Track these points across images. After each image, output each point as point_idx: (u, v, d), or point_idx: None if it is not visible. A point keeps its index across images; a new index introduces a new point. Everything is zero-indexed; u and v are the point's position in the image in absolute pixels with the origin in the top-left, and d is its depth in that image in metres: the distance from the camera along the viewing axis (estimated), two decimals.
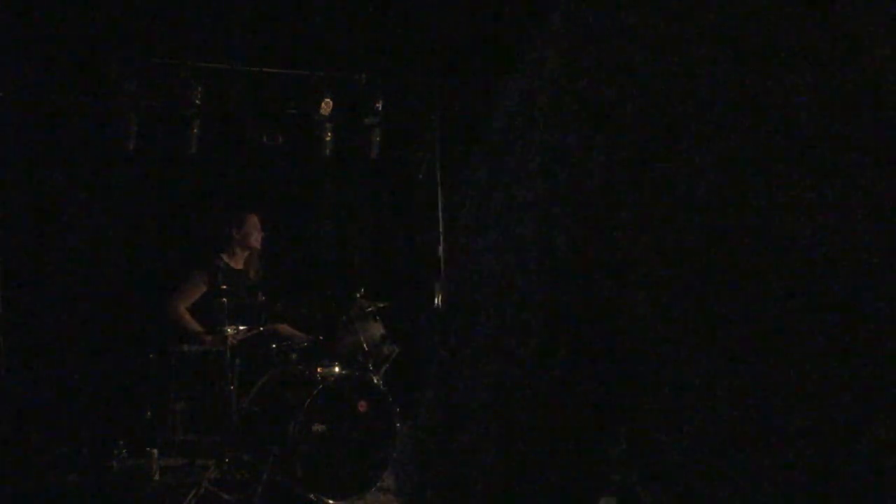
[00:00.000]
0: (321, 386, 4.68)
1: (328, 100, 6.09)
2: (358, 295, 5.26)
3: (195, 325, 5.08)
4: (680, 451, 0.52)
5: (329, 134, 6.19)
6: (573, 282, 0.53)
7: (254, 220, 5.39)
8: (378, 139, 6.36)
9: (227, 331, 4.70)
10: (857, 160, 0.48)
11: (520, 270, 0.55)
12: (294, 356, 5.19)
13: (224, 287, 4.79)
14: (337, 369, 4.93)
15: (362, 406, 4.83)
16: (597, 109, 0.53)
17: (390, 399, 4.91)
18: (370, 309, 5.21)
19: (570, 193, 0.53)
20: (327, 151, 6.23)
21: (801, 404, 0.48)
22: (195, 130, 5.74)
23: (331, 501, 4.63)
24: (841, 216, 0.48)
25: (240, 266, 5.39)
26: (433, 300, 6.48)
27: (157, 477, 4.84)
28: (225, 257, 5.33)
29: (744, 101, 0.50)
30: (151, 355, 4.90)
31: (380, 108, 6.33)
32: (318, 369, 4.88)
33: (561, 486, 0.59)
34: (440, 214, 6.71)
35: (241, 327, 4.85)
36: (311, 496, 4.58)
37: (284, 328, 5.57)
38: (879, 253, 0.47)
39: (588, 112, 0.53)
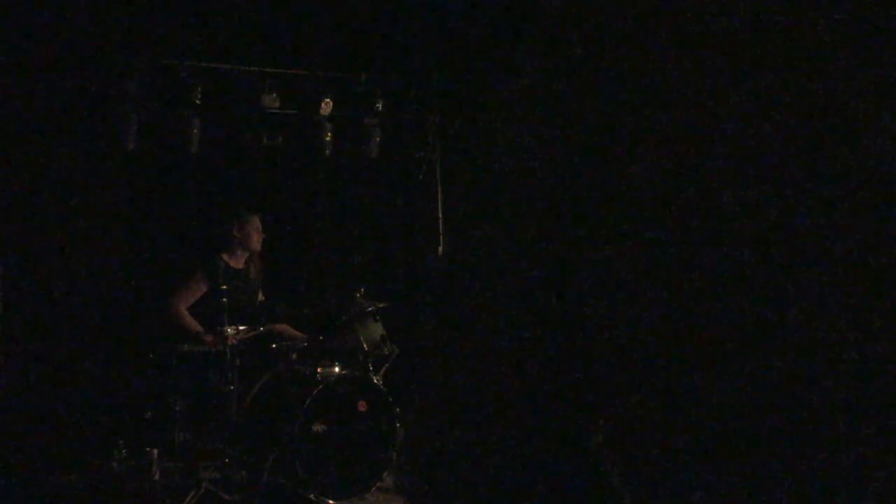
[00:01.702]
0: (321, 386, 4.68)
1: (328, 100, 6.09)
2: (358, 295, 5.26)
3: (195, 325, 5.08)
4: (654, 445, 0.52)
5: (329, 134, 6.19)
6: (548, 282, 0.53)
7: (255, 222, 5.40)
8: (378, 139, 6.36)
9: (227, 331, 4.70)
10: (823, 164, 0.49)
11: (503, 272, 0.55)
12: (294, 356, 5.19)
13: (224, 287, 4.79)
14: (337, 369, 4.93)
15: (362, 406, 4.83)
16: (565, 114, 0.53)
17: (390, 399, 4.91)
18: (370, 309, 5.21)
19: (542, 193, 0.53)
20: (327, 151, 6.23)
21: (772, 403, 0.49)
22: (195, 130, 5.74)
23: (331, 501, 4.63)
24: (808, 216, 0.48)
25: (240, 266, 5.39)
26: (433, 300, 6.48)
27: (157, 477, 4.85)
28: (225, 257, 5.33)
29: (706, 108, 0.50)
30: (151, 355, 4.90)
31: (380, 108, 6.33)
32: (318, 369, 4.89)
33: (548, 473, 0.59)
34: (440, 214, 6.71)
35: (241, 327, 4.85)
36: (311, 496, 4.58)
37: (284, 328, 5.57)
38: (851, 255, 0.47)
39: (557, 117, 0.54)
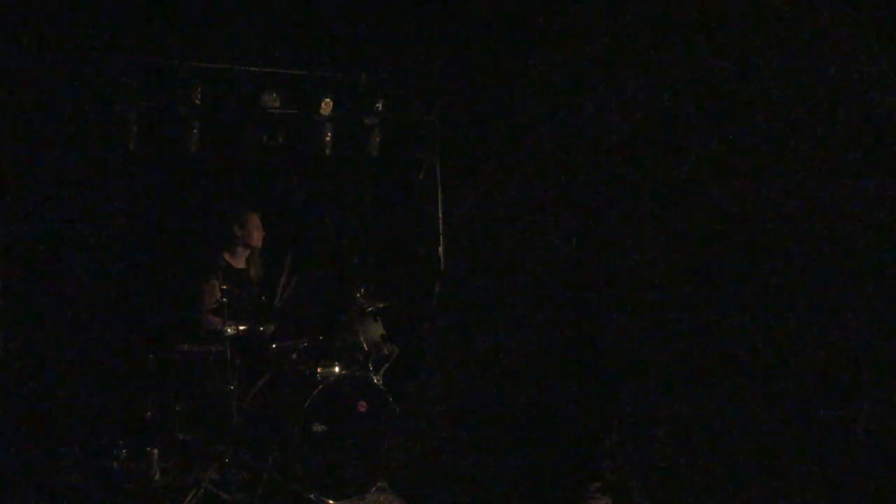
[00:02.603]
0: (321, 386, 4.68)
1: (328, 100, 6.09)
2: (358, 295, 5.26)
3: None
4: (667, 447, 0.52)
5: (329, 134, 6.19)
6: (569, 286, 0.53)
7: (255, 220, 5.42)
8: (378, 139, 6.36)
9: (227, 331, 4.70)
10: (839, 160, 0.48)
11: (520, 275, 0.55)
12: (294, 356, 5.19)
13: (223, 287, 4.79)
14: (337, 369, 4.93)
15: (362, 406, 4.83)
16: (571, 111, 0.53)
17: (390, 399, 4.91)
18: (370, 309, 5.21)
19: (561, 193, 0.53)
20: (327, 151, 6.23)
21: (782, 405, 0.49)
22: (195, 130, 5.74)
23: (331, 501, 4.63)
24: (826, 217, 0.48)
25: (241, 265, 5.40)
26: (433, 300, 6.47)
27: (157, 477, 4.84)
28: (227, 256, 5.34)
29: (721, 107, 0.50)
30: (151, 355, 4.90)
31: (380, 108, 6.33)
32: (318, 369, 4.89)
33: (557, 471, 0.59)
34: (440, 214, 6.70)
35: (241, 327, 4.85)
36: (311, 496, 4.58)
37: (284, 328, 5.56)
38: (871, 256, 0.47)
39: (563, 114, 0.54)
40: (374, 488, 4.79)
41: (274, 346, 5.18)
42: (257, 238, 5.42)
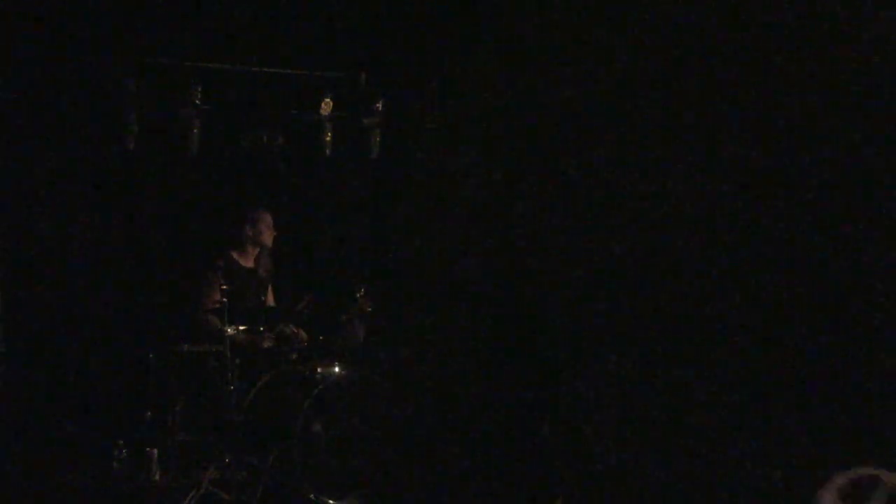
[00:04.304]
0: (321, 386, 4.68)
1: (328, 100, 6.09)
2: (358, 295, 5.26)
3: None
4: (599, 440, 0.52)
5: (329, 134, 6.19)
6: (499, 282, 0.53)
7: (267, 219, 5.42)
8: (378, 139, 6.35)
9: (227, 331, 4.70)
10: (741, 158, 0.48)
11: (453, 271, 0.55)
12: (294, 356, 5.19)
13: (224, 287, 4.78)
14: (337, 369, 4.93)
15: None
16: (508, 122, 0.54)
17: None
18: (370, 309, 5.21)
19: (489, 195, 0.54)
20: (327, 151, 6.23)
21: (707, 399, 0.49)
22: (195, 130, 5.74)
23: (331, 501, 4.63)
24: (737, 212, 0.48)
25: (250, 264, 5.40)
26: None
27: (157, 477, 4.84)
28: (235, 254, 5.34)
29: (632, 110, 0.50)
30: (151, 355, 4.90)
31: (380, 108, 6.32)
32: (318, 369, 4.88)
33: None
34: None
35: (242, 327, 4.85)
36: (311, 496, 4.58)
37: (285, 328, 5.56)
38: (796, 251, 0.47)
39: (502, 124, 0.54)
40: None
41: (274, 345, 5.18)
42: (268, 237, 5.42)
